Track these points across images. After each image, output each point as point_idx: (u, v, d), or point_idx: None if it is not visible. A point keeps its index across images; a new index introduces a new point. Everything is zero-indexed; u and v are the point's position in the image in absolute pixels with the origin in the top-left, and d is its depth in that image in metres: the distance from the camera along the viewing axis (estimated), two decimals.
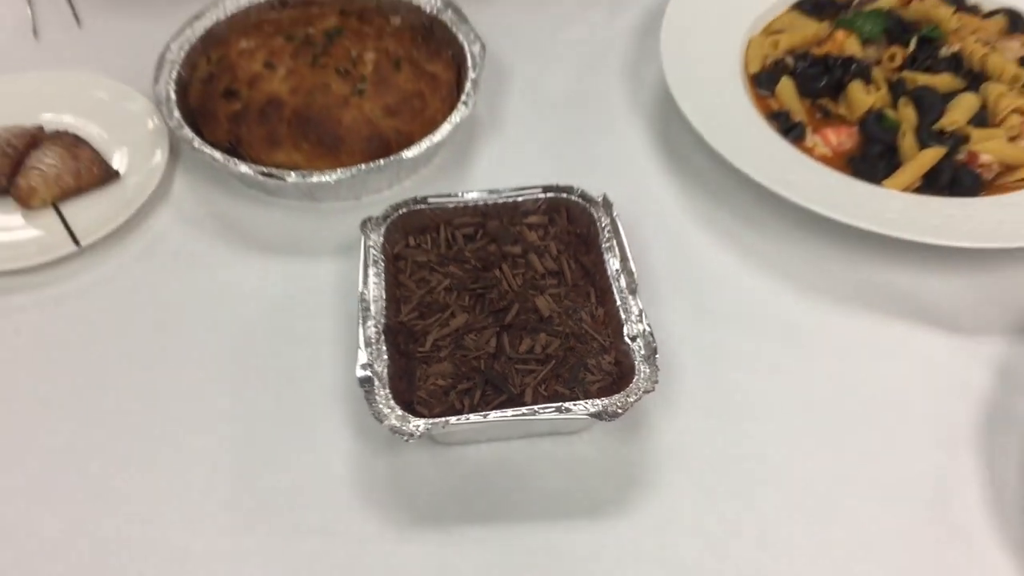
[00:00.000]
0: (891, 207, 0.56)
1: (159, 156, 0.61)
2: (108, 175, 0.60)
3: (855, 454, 0.51)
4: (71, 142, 0.61)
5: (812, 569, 0.47)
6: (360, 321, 0.50)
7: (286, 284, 0.57)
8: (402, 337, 0.51)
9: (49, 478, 0.49)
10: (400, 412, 0.47)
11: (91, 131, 0.63)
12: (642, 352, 0.49)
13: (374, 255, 0.53)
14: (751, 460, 0.50)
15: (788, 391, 0.53)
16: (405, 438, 0.46)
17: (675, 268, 0.57)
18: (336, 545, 0.47)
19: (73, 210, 0.59)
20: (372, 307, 0.51)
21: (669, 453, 0.51)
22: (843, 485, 0.49)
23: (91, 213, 0.59)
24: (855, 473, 0.50)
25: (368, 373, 0.48)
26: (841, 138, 0.61)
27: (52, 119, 0.63)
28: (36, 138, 0.62)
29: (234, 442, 0.51)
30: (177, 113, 0.60)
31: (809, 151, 0.61)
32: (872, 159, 0.60)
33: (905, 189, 0.58)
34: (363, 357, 0.48)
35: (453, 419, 0.46)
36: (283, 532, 0.48)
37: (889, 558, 0.47)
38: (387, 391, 0.47)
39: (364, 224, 0.54)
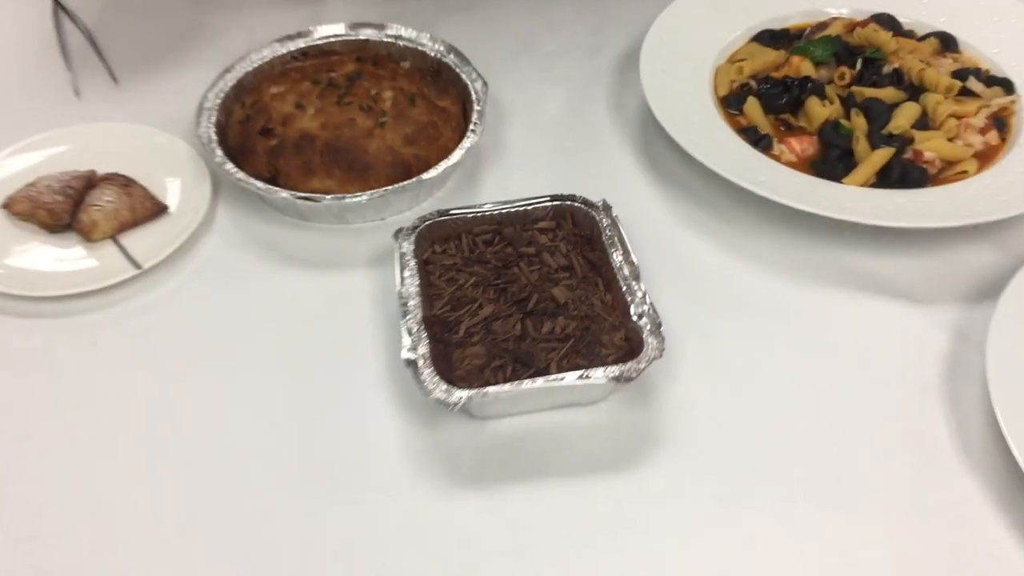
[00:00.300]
0: (851, 199, 0.65)
1: (203, 190, 0.69)
2: (159, 209, 0.68)
3: (835, 406, 0.58)
4: (123, 182, 0.68)
5: (802, 495, 0.54)
6: (401, 315, 0.57)
7: (326, 294, 0.64)
8: (437, 328, 0.58)
9: (142, 455, 0.56)
10: (444, 386, 0.54)
11: (138, 173, 0.70)
12: (648, 327, 0.56)
13: (406, 260, 0.60)
14: (745, 416, 0.58)
15: (773, 357, 0.61)
16: (450, 408, 0.53)
17: (664, 261, 0.65)
18: (393, 505, 0.54)
19: (129, 241, 0.66)
20: (409, 303, 0.58)
21: (675, 416, 0.58)
22: (827, 430, 0.57)
23: (146, 243, 0.66)
24: (836, 420, 0.58)
25: (413, 356, 0.55)
26: (804, 146, 0.70)
27: (102, 165, 0.71)
28: (91, 180, 0.69)
29: (296, 427, 0.57)
30: (220, 152, 0.68)
31: (777, 158, 0.69)
32: (832, 162, 0.68)
33: (862, 185, 0.67)
34: (407, 343, 0.56)
35: (491, 388, 0.54)
36: (346, 495, 0.54)
37: (871, 484, 0.54)
38: (431, 370, 0.54)
39: (396, 234, 0.62)
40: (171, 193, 0.69)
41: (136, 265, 0.64)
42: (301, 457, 0.56)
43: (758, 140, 0.70)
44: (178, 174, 0.70)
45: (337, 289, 0.65)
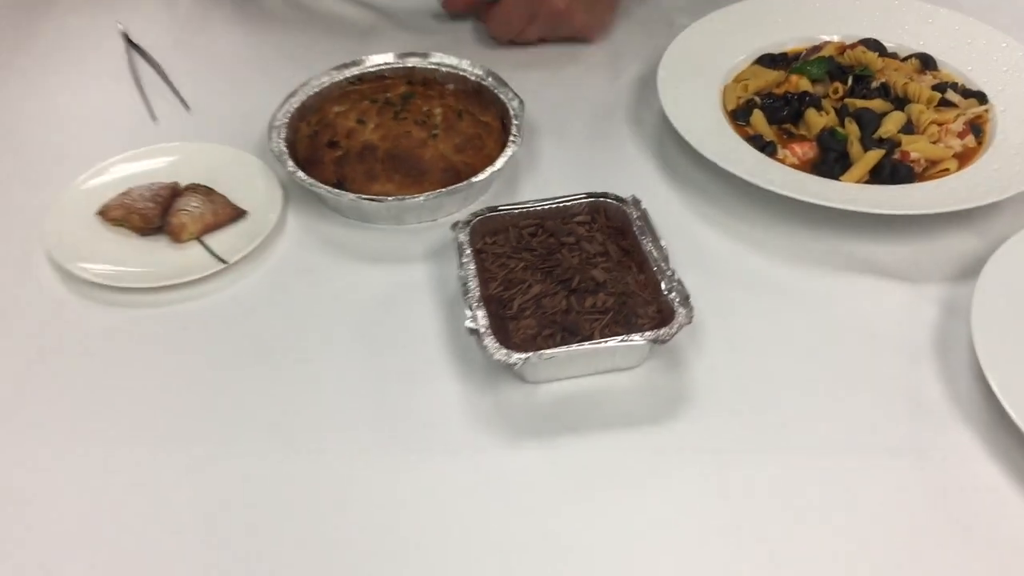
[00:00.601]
0: (847, 193, 0.74)
1: (275, 197, 0.77)
2: (238, 213, 0.77)
3: (841, 370, 0.67)
4: (205, 191, 0.77)
5: (815, 444, 0.62)
6: (462, 294, 0.66)
7: (389, 284, 0.73)
8: (493, 304, 0.66)
9: (236, 422, 0.64)
10: (504, 350, 0.62)
11: (216, 183, 0.79)
12: (677, 300, 0.65)
13: (463, 248, 0.69)
14: (762, 380, 0.66)
15: (784, 330, 0.69)
16: (511, 367, 0.62)
17: (683, 250, 0.72)
18: (460, 457, 0.62)
19: (212, 242, 0.75)
20: (468, 284, 0.67)
21: (702, 380, 0.66)
22: (834, 390, 0.65)
23: (228, 243, 0.74)
24: (843, 381, 0.66)
25: (475, 326, 0.64)
26: (804, 150, 0.79)
27: (183, 178, 0.79)
28: (175, 190, 0.78)
29: (371, 395, 0.65)
30: (291, 162, 0.77)
31: (781, 161, 0.79)
32: (830, 163, 0.78)
33: (857, 182, 0.76)
34: (469, 315, 0.64)
35: (546, 350, 0.62)
36: (419, 452, 0.62)
37: (875, 433, 0.63)
38: (491, 338, 0.63)
39: (453, 226, 0.70)
40: (246, 200, 0.78)
41: (222, 261, 0.73)
42: (377, 420, 0.64)
43: (764, 146, 0.79)
44: (251, 184, 0.79)
45: (398, 280, 0.73)
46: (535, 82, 0.88)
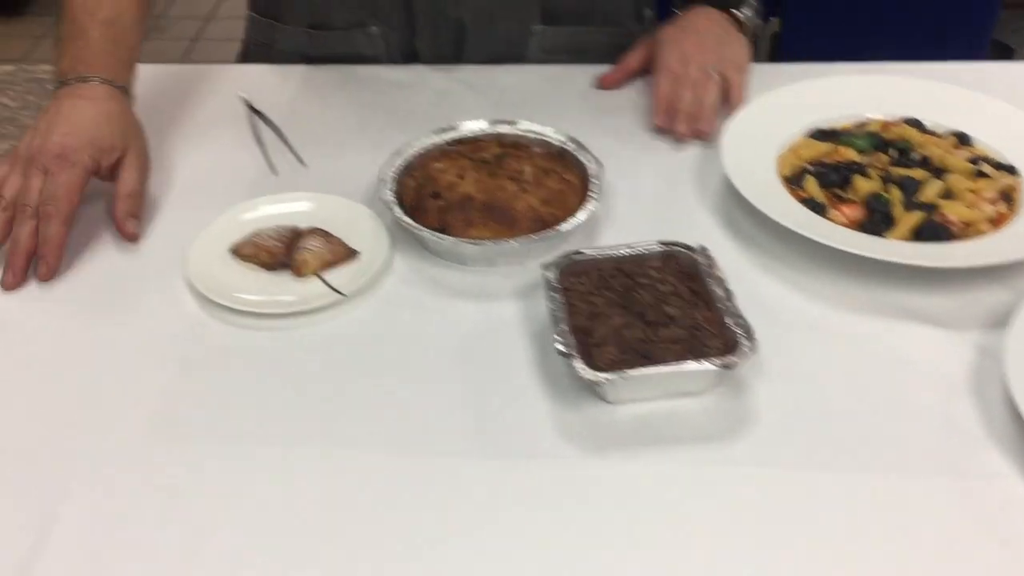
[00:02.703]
0: (893, 248, 0.84)
1: (383, 241, 0.88)
2: (351, 253, 0.88)
3: (886, 402, 0.75)
4: (322, 233, 0.88)
5: (862, 465, 0.71)
6: (552, 322, 0.76)
7: (484, 318, 0.83)
8: (579, 333, 0.76)
9: (354, 430, 0.74)
10: (591, 370, 0.72)
11: (331, 228, 0.90)
12: (742, 334, 0.74)
13: (552, 285, 0.79)
14: (815, 409, 0.75)
15: (834, 367, 0.78)
16: (598, 384, 0.71)
17: (743, 295, 0.80)
18: (550, 466, 0.71)
19: (329, 277, 0.86)
20: (557, 315, 0.76)
21: (762, 407, 0.75)
22: (880, 420, 0.74)
23: (343, 279, 0.85)
24: (887, 412, 0.75)
25: (565, 349, 0.73)
26: (852, 212, 0.89)
27: (302, 223, 0.91)
28: (297, 232, 0.89)
29: (471, 411, 0.75)
30: (398, 210, 0.88)
31: (832, 220, 0.88)
32: (876, 223, 0.87)
33: (900, 240, 0.86)
34: (559, 340, 0.74)
35: (629, 371, 0.72)
36: (513, 457, 0.72)
37: (917, 456, 0.71)
38: (579, 360, 0.72)
39: (544, 266, 0.81)
40: (358, 242, 0.89)
41: (340, 293, 0.83)
42: (477, 431, 0.74)
43: (816, 207, 0.89)
44: (361, 229, 0.90)
45: (491, 315, 0.84)
46: (610, 147, 0.98)
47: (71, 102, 0.92)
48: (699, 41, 1.08)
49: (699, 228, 0.92)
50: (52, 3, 3.67)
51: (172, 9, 3.53)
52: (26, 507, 0.69)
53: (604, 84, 1.12)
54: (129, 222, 0.91)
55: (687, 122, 1.03)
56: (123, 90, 0.96)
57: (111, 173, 0.92)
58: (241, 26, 1.23)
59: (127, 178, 0.92)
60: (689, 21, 1.11)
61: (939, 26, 2.23)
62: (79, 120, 0.91)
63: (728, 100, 1.06)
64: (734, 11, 1.11)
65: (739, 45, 1.10)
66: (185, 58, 3.28)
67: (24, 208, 0.87)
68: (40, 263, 0.87)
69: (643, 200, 0.96)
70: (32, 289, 0.87)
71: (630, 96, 1.12)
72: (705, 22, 1.11)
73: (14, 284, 0.86)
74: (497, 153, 0.92)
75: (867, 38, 2.24)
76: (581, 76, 1.15)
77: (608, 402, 0.75)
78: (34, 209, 0.87)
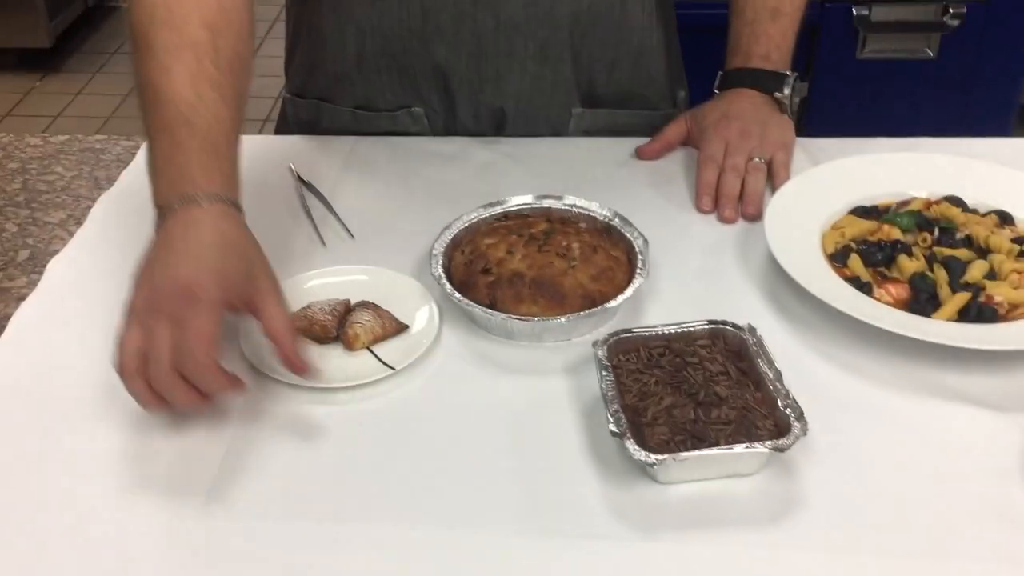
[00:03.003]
0: (941, 329, 0.84)
1: (433, 315, 0.90)
2: (401, 327, 0.89)
3: (935, 485, 0.75)
4: (373, 307, 0.90)
5: (912, 549, 0.71)
6: (605, 401, 0.77)
7: (533, 393, 0.84)
8: (630, 413, 0.77)
9: (398, 514, 0.74)
10: (643, 451, 0.72)
11: (380, 301, 0.91)
12: (793, 415, 0.75)
13: (603, 363, 0.80)
14: (865, 491, 0.75)
15: (883, 448, 0.78)
16: (651, 465, 0.72)
17: (788, 373, 0.81)
18: (602, 546, 0.71)
19: (380, 352, 0.87)
20: (608, 394, 0.77)
21: (812, 488, 0.75)
22: (930, 503, 0.74)
23: (393, 352, 0.86)
24: (937, 495, 0.75)
25: (617, 430, 0.74)
26: (898, 291, 0.90)
27: (353, 295, 0.92)
28: (347, 306, 0.90)
29: (520, 488, 0.76)
30: (449, 285, 0.89)
31: (877, 300, 0.89)
32: (922, 303, 0.88)
33: (947, 320, 0.86)
34: (611, 421, 0.75)
35: (682, 454, 0.72)
36: (564, 535, 0.72)
37: (968, 541, 0.71)
38: (631, 441, 0.73)
39: (594, 344, 0.82)
40: (406, 316, 0.90)
41: (390, 367, 0.84)
42: (527, 512, 0.74)
43: (861, 286, 0.90)
44: (410, 303, 0.91)
45: (540, 390, 0.84)
46: (652, 222, 1.00)
47: (183, 232, 0.79)
48: (742, 128, 1.10)
49: (743, 304, 0.93)
50: (88, 61, 3.72)
51: None
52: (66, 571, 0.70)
53: (644, 155, 1.14)
54: (299, 359, 0.78)
55: (731, 206, 1.05)
56: (235, 206, 0.83)
57: (246, 306, 0.80)
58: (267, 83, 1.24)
59: (274, 314, 0.79)
60: (731, 106, 1.13)
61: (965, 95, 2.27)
62: (196, 250, 0.78)
63: (773, 181, 1.07)
64: (776, 94, 1.13)
65: (782, 126, 1.12)
66: None
67: (159, 364, 0.74)
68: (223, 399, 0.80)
69: (686, 276, 0.97)
70: (79, 360, 0.88)
71: (671, 169, 1.14)
72: (748, 107, 1.13)
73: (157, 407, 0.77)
74: (545, 229, 0.93)
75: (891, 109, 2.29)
76: (620, 148, 1.17)
77: (658, 482, 0.76)
78: (168, 367, 0.74)
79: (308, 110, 1.22)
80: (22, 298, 0.94)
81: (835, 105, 2.30)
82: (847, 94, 2.29)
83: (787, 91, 1.13)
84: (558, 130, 1.20)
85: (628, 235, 0.95)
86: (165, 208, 0.80)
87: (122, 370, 0.75)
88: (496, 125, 1.19)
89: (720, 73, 1.18)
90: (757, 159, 1.08)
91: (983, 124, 2.25)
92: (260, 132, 2.36)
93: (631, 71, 1.18)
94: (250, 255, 0.82)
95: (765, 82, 1.15)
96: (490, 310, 0.87)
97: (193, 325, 0.74)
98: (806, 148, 1.15)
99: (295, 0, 1.19)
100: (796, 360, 0.86)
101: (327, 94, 1.20)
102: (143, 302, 0.77)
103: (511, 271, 0.89)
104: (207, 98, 0.85)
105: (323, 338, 0.88)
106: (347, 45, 1.13)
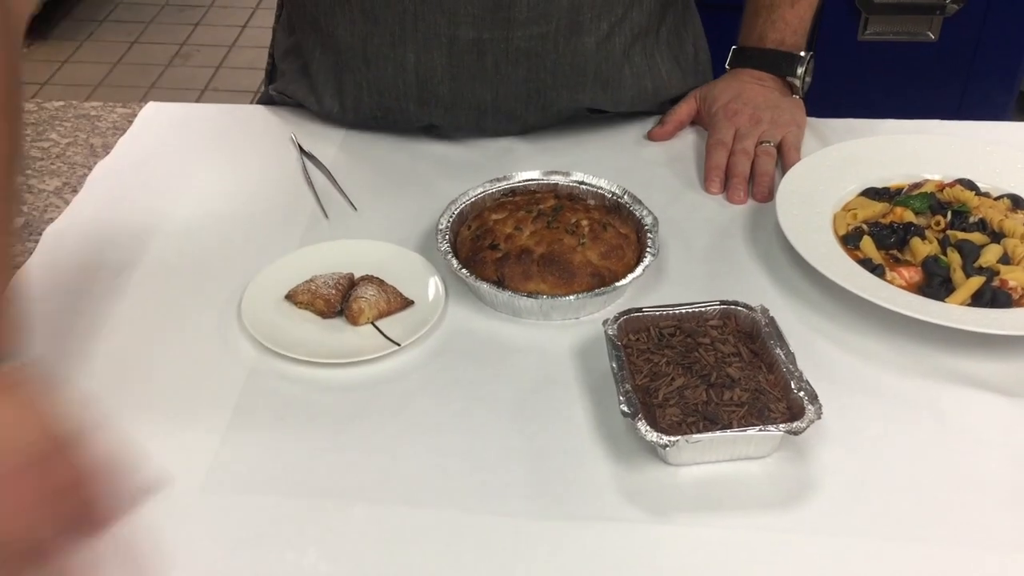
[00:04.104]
0: (954, 313, 0.83)
1: (438, 291, 0.88)
2: (406, 303, 0.87)
3: (946, 468, 0.75)
4: (378, 281, 0.88)
5: (922, 537, 0.70)
6: (616, 381, 0.75)
7: (539, 372, 0.82)
8: (640, 394, 0.75)
9: (402, 491, 0.73)
10: (655, 432, 0.71)
11: (384, 275, 0.89)
12: (806, 398, 0.74)
13: (613, 342, 0.79)
14: (877, 477, 0.74)
15: (895, 433, 0.77)
16: (663, 447, 0.70)
17: (799, 355, 0.80)
18: (612, 527, 0.70)
19: (384, 327, 0.85)
20: (619, 374, 0.76)
21: (823, 472, 0.74)
22: (942, 489, 0.73)
23: (397, 328, 0.85)
24: (949, 481, 0.74)
25: (628, 410, 0.72)
26: (911, 274, 0.88)
27: (356, 270, 0.90)
28: (351, 280, 0.88)
29: (528, 466, 0.74)
30: (455, 261, 0.87)
31: (890, 283, 0.88)
32: (935, 287, 0.87)
33: (960, 304, 0.85)
34: (622, 401, 0.73)
35: (694, 435, 0.71)
36: (573, 517, 0.71)
37: (981, 534, 0.70)
38: (643, 422, 0.72)
39: (604, 323, 0.80)
40: (411, 291, 0.88)
41: (395, 343, 0.83)
42: (536, 493, 0.73)
43: (873, 269, 0.89)
44: (415, 278, 0.90)
45: (547, 369, 0.83)
46: (661, 201, 0.98)
47: None
48: (753, 114, 1.09)
49: (753, 285, 0.92)
50: (76, 28, 3.67)
51: (195, 38, 3.56)
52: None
53: (656, 138, 1.12)
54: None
55: (742, 187, 1.03)
56: None
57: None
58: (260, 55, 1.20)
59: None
60: (742, 90, 1.11)
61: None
62: None
63: (784, 160, 1.06)
64: (789, 77, 1.12)
65: (793, 108, 1.10)
66: (209, 85, 3.30)
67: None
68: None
69: (696, 254, 0.96)
70: (87, 332, 0.86)
71: (679, 146, 1.12)
72: (759, 91, 1.11)
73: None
74: (554, 205, 0.92)
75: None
76: (629, 125, 1.15)
77: (669, 463, 0.74)
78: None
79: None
80: (17, 266, 0.92)
81: (834, 87, 2.27)
82: (847, 76, 2.27)
83: (800, 71, 1.12)
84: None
85: (637, 213, 0.93)
86: None
87: None
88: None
89: (733, 49, 1.16)
90: (767, 143, 1.06)
91: (983, 109, 2.24)
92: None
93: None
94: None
95: (778, 64, 1.13)
96: (498, 287, 0.85)
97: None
98: (814, 128, 1.13)
99: (286, 26, 1.16)
100: (807, 342, 0.85)
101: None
102: None
103: (519, 247, 0.87)
104: None
105: (327, 312, 0.86)
106: (340, 92, 1.10)
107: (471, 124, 1.09)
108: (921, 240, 0.91)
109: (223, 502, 0.72)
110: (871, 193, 0.99)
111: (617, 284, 0.85)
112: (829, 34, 2.24)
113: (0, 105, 0.64)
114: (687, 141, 1.13)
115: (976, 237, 0.91)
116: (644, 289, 0.91)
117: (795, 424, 0.72)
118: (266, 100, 1.21)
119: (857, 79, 2.28)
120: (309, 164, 1.06)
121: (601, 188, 0.96)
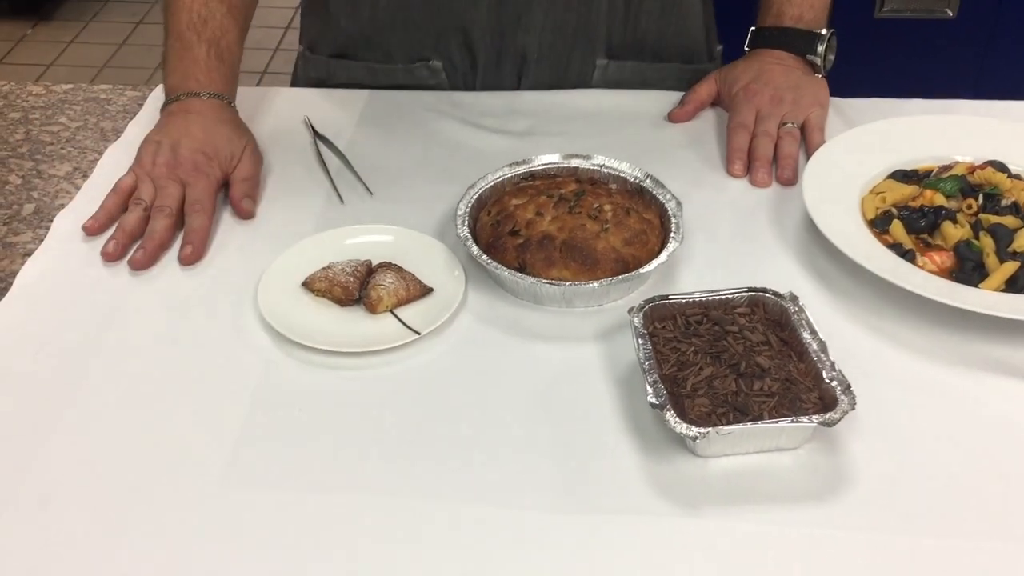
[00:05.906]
0: (989, 299, 0.81)
1: (458, 278, 0.86)
2: (426, 290, 0.85)
3: (984, 462, 0.73)
4: (396, 268, 0.86)
5: (958, 531, 0.68)
6: (643, 371, 0.73)
7: (562, 361, 0.81)
8: (667, 384, 0.73)
9: (421, 484, 0.71)
10: (685, 424, 0.69)
11: (403, 263, 0.87)
12: (839, 388, 0.72)
13: (639, 331, 0.77)
14: (912, 468, 0.72)
15: (930, 424, 0.75)
16: (693, 439, 0.69)
17: (828, 343, 0.78)
18: (640, 520, 0.69)
19: (402, 314, 0.83)
20: (645, 364, 0.74)
21: (856, 464, 0.72)
22: (979, 481, 0.71)
23: (417, 316, 0.83)
24: (985, 472, 0.72)
25: (657, 401, 0.71)
26: (942, 259, 0.86)
27: (374, 256, 0.88)
28: (369, 267, 0.86)
29: (554, 460, 0.73)
30: (475, 248, 0.85)
31: (921, 268, 0.86)
32: (968, 272, 0.84)
33: (995, 290, 0.83)
34: (650, 392, 0.72)
35: (724, 427, 0.69)
36: (600, 511, 0.69)
37: (1019, 528, 0.68)
38: (672, 413, 0.70)
39: (629, 311, 0.78)
40: (431, 278, 0.86)
41: (415, 332, 0.81)
42: (562, 486, 0.71)
43: (904, 253, 0.86)
44: (434, 264, 0.88)
45: (570, 357, 0.81)
46: (684, 183, 0.96)
47: (185, 117, 0.98)
48: (774, 95, 1.06)
49: (780, 271, 0.90)
50: (80, 9, 3.67)
51: None
52: (85, 544, 0.67)
53: (677, 119, 1.10)
54: (244, 201, 0.96)
55: (765, 169, 1.01)
56: (229, 103, 1.02)
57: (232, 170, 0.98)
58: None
59: (243, 166, 0.98)
60: (762, 70, 1.09)
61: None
62: (200, 134, 0.97)
63: (808, 141, 1.03)
64: (809, 56, 1.09)
65: (815, 87, 1.08)
66: None
67: (162, 208, 0.92)
68: (185, 247, 0.90)
69: (720, 240, 0.94)
70: (103, 323, 0.84)
71: (701, 128, 1.10)
72: (779, 71, 1.09)
73: (115, 256, 0.90)
74: (575, 190, 0.89)
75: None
76: (647, 102, 1.13)
77: (698, 455, 0.73)
78: (172, 210, 0.92)
79: (320, 68, 1.18)
80: (28, 253, 0.90)
81: (851, 65, 2.24)
82: (864, 54, 2.24)
83: (820, 49, 1.09)
84: (581, 83, 1.15)
85: (660, 197, 0.91)
86: (174, 99, 1.00)
87: (114, 189, 0.94)
88: (516, 75, 1.15)
89: (751, 29, 1.14)
90: (790, 124, 1.04)
91: (1002, 86, 2.20)
92: (258, 84, 2.30)
93: (660, 18, 1.14)
94: (242, 138, 1.00)
95: (797, 43, 1.10)
96: (519, 273, 0.83)
97: (200, 186, 0.94)
98: (838, 108, 1.11)
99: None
100: (836, 330, 0.82)
101: (342, 50, 1.16)
102: (150, 165, 0.95)
103: (541, 233, 0.85)
104: (215, 10, 1.02)
105: (345, 300, 0.84)
106: (361, 3, 1.10)
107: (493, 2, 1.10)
108: (952, 224, 0.88)
109: (239, 494, 0.70)
110: (899, 175, 0.97)
111: (642, 270, 0.83)
112: (845, 12, 2.20)
113: None
114: (709, 122, 1.11)
115: (1009, 221, 0.88)
116: (668, 275, 0.89)
117: (828, 415, 0.70)
118: (294, 78, 1.25)
119: (874, 57, 2.25)
120: (323, 147, 1.04)
121: (623, 172, 0.94)
